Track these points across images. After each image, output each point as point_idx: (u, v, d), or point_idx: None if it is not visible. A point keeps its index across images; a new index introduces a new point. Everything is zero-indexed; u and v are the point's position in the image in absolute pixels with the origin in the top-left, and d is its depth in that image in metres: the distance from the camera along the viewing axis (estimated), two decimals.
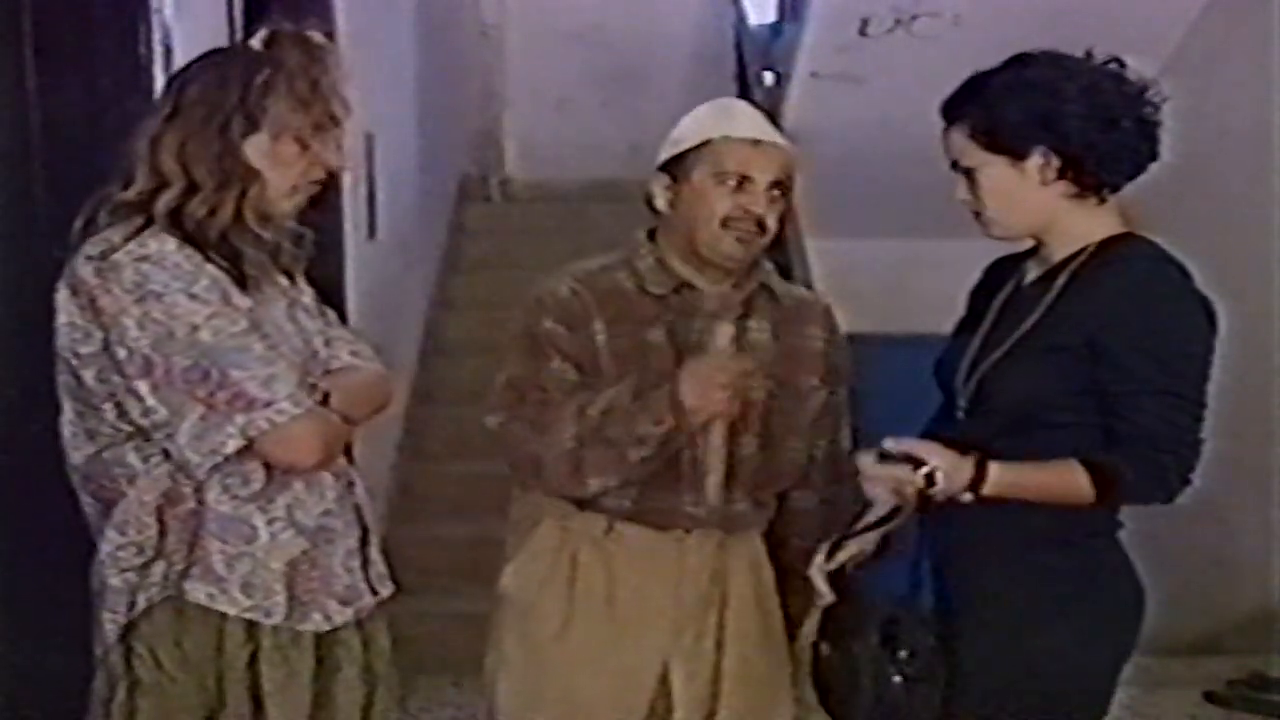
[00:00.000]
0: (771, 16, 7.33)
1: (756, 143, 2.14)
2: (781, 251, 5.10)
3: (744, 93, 6.85)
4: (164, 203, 1.77)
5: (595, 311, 2.13)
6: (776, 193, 2.15)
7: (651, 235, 2.22)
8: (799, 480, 2.26)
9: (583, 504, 2.16)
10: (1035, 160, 1.92)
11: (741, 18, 7.27)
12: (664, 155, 2.18)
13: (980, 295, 2.12)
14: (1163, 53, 5.06)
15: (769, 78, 6.84)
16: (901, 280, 5.81)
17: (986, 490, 1.88)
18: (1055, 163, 1.91)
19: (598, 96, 7.32)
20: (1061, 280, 1.94)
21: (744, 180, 2.11)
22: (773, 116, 6.14)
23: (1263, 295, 4.69)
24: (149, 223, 1.76)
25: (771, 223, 2.14)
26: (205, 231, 1.77)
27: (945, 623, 2.04)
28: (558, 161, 7.03)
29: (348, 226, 4.15)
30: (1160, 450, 1.85)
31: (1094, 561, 1.97)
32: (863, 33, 5.70)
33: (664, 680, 2.20)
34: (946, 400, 2.06)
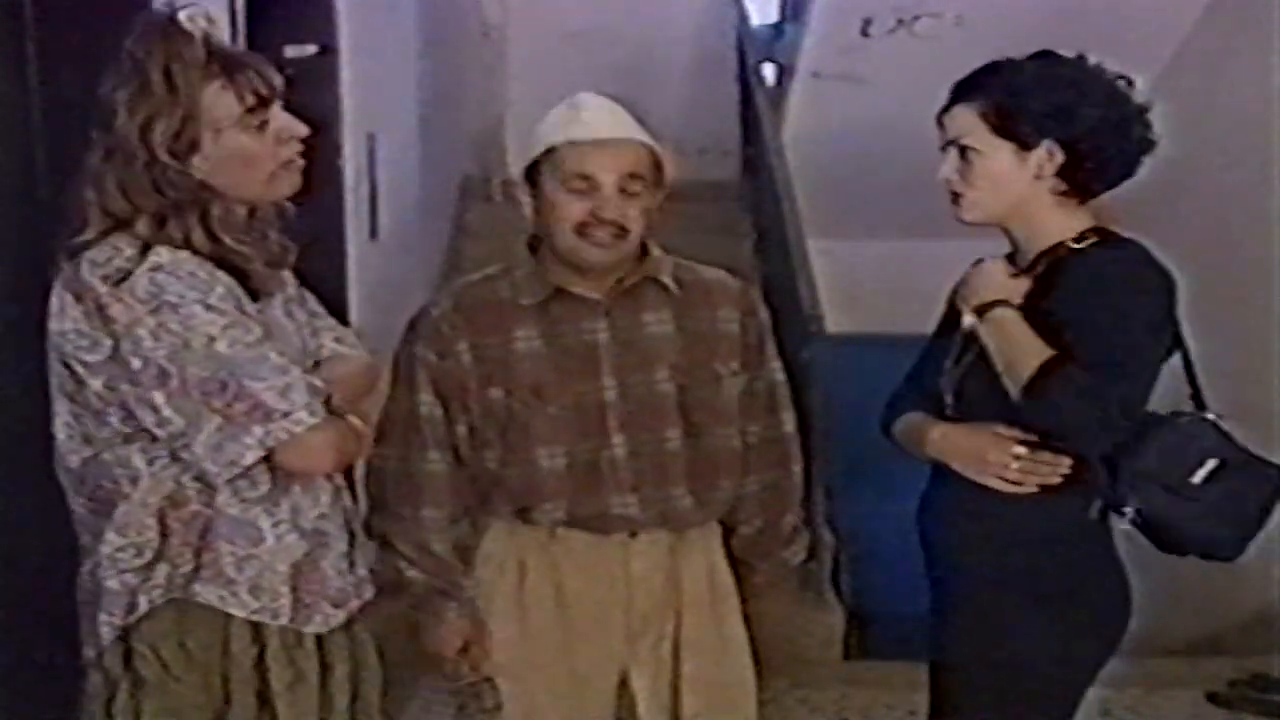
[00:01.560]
0: (774, 17, 7.34)
1: (600, 143, 2.04)
2: (782, 251, 5.11)
3: (746, 93, 6.86)
4: (140, 233, 1.72)
5: (463, 331, 2.10)
6: (636, 188, 2.05)
7: (531, 240, 2.18)
8: (739, 467, 2.21)
9: (520, 513, 2.15)
10: (1040, 153, 1.94)
11: (743, 18, 7.27)
12: (520, 163, 2.12)
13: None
14: (1164, 54, 5.07)
15: (770, 73, 6.85)
16: (901, 280, 5.81)
17: (993, 314, 1.92)
18: (1060, 158, 1.94)
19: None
20: (1034, 274, 1.97)
21: (590, 184, 2.03)
22: (775, 116, 6.16)
23: (1263, 295, 4.69)
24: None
25: (632, 223, 2.05)
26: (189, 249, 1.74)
27: (937, 613, 2.06)
28: None
29: (349, 226, 4.15)
30: (1101, 378, 1.83)
31: (1078, 562, 1.98)
32: (865, 33, 5.70)
33: (625, 687, 2.18)
34: (927, 398, 2.09)
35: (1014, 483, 1.95)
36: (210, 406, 1.71)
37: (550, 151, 2.06)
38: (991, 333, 1.93)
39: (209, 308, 1.71)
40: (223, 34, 1.83)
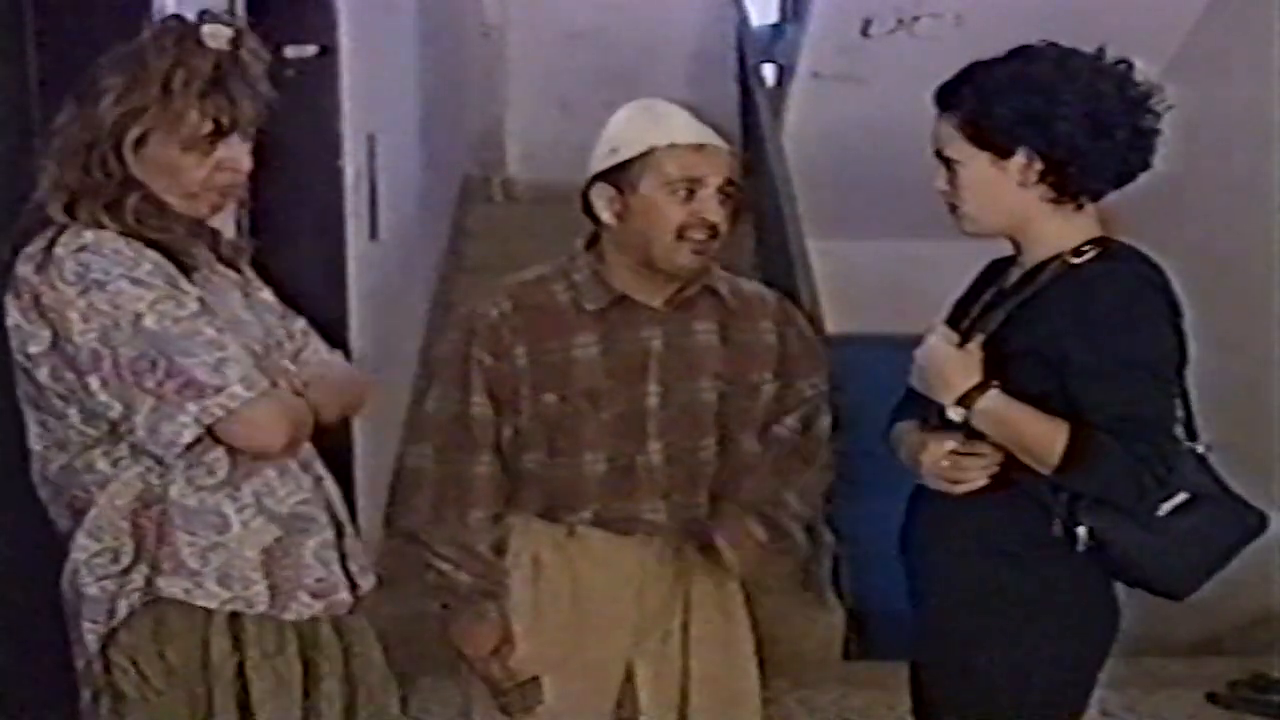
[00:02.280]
0: (773, 17, 7.34)
1: (700, 147, 2.07)
2: (782, 252, 5.11)
3: (745, 94, 6.85)
4: (54, 208, 1.74)
5: (522, 335, 2.09)
6: (731, 192, 2.08)
7: (590, 243, 2.17)
8: (756, 470, 2.21)
9: (545, 511, 2.15)
10: (1018, 160, 1.88)
11: (743, 18, 7.27)
12: (601, 164, 2.11)
13: (970, 296, 2.10)
14: (1165, 54, 5.06)
15: (770, 73, 6.85)
16: (901, 280, 5.82)
17: (979, 405, 1.85)
18: (1038, 165, 1.87)
19: (600, 97, 7.21)
20: (1030, 290, 1.91)
21: (693, 187, 2.05)
22: (774, 117, 6.15)
23: (1263, 295, 4.69)
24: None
25: (724, 227, 2.08)
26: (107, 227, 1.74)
27: (915, 620, 2.05)
28: (560, 162, 6.99)
29: (350, 227, 4.14)
30: (1130, 436, 1.79)
31: (1051, 577, 1.92)
32: (864, 33, 5.71)
33: (630, 681, 2.19)
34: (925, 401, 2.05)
35: (953, 480, 1.92)
36: (142, 387, 1.69)
37: (648, 154, 2.06)
38: (990, 426, 1.87)
39: (135, 282, 1.69)
40: (254, 49, 1.83)
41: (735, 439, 2.17)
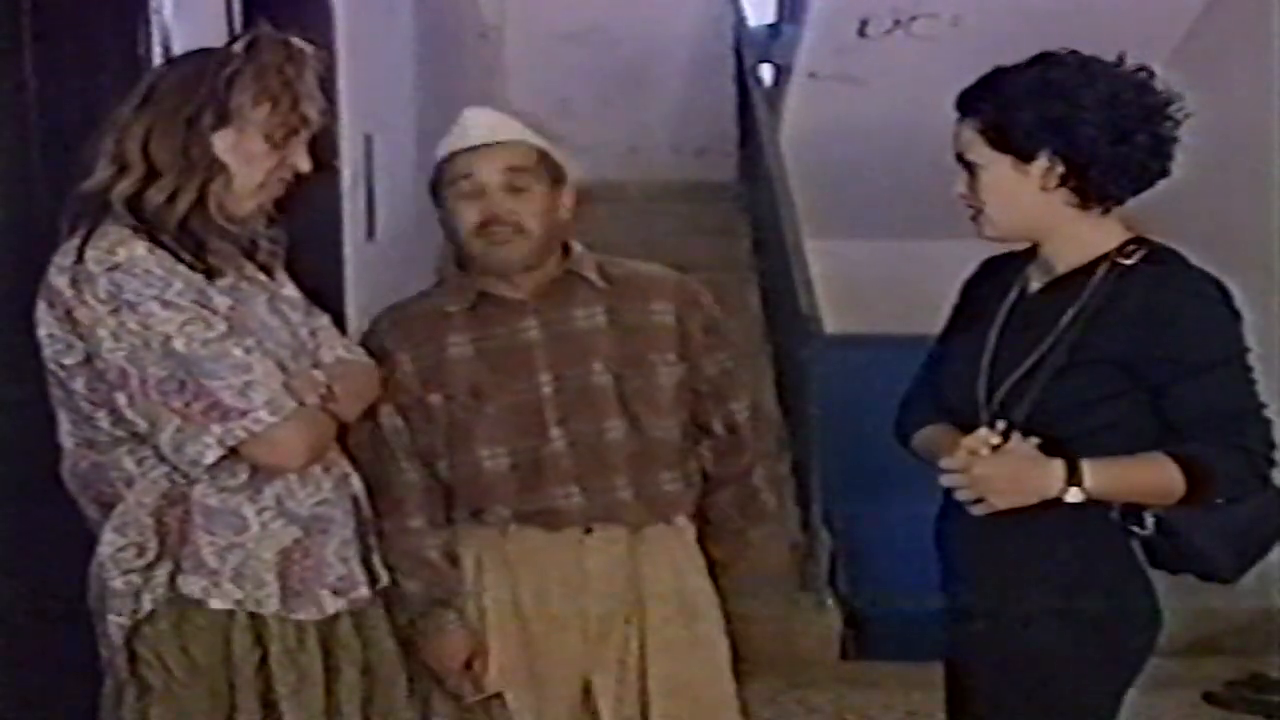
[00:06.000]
0: (771, 17, 7.36)
1: (475, 148, 2.13)
2: (780, 252, 5.12)
3: (743, 94, 6.86)
4: (121, 189, 1.77)
5: (401, 343, 2.17)
6: (523, 183, 2.12)
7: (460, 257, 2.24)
8: (677, 459, 2.22)
9: (473, 514, 2.17)
10: (1040, 164, 1.88)
11: (741, 18, 7.28)
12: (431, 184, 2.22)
13: (976, 296, 2.09)
14: (1163, 53, 5.07)
15: (768, 73, 6.85)
16: (901, 280, 5.81)
17: (1089, 488, 1.83)
18: (1060, 169, 1.88)
19: (597, 97, 7.32)
20: (1084, 298, 1.90)
21: (476, 185, 2.11)
22: (771, 116, 6.15)
23: (1263, 295, 4.69)
24: (104, 213, 1.77)
25: (528, 219, 2.11)
26: (164, 219, 1.77)
27: (956, 619, 2.04)
28: None
29: (347, 227, 4.14)
30: (1233, 430, 1.83)
31: (1100, 572, 1.93)
32: (862, 34, 5.71)
33: (590, 697, 2.17)
34: (951, 409, 2.03)
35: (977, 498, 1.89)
36: (169, 406, 1.73)
37: (440, 166, 2.16)
38: (1104, 496, 1.86)
39: (166, 304, 1.73)
40: (321, 60, 1.95)
41: (644, 422, 2.17)
